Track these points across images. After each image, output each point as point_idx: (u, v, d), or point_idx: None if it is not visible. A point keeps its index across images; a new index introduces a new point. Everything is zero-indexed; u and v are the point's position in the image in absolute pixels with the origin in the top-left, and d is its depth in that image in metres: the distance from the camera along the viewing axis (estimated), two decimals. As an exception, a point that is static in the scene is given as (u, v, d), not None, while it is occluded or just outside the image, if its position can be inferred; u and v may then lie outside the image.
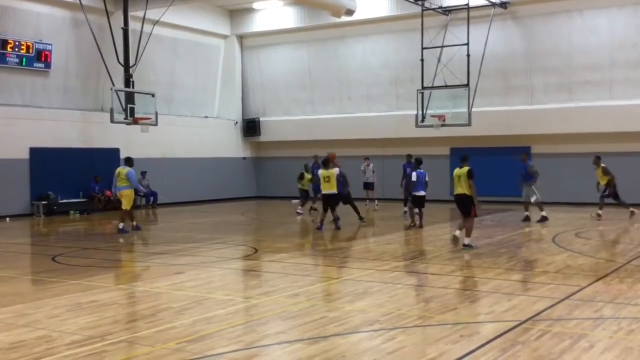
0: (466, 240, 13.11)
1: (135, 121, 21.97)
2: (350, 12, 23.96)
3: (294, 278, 10.56)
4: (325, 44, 28.20)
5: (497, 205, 22.45)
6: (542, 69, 24.22)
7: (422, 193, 17.07)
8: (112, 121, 21.45)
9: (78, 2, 21.32)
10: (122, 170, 16.95)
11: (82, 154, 23.45)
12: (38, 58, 22.41)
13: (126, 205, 16.99)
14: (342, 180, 17.45)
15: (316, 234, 16.43)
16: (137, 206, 22.49)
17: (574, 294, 8.75)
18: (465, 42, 23.07)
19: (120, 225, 16.95)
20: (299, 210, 21.37)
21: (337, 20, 25.25)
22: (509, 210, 21.10)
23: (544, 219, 17.97)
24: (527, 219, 18.32)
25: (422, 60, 23.59)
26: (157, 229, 19.22)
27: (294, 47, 28.98)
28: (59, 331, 7.18)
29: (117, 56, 22.08)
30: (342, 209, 18.09)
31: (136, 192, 18.10)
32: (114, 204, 23.86)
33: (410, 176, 18.07)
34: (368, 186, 22.99)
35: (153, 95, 22.61)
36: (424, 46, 23.69)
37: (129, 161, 17.19)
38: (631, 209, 19.05)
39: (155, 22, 22.98)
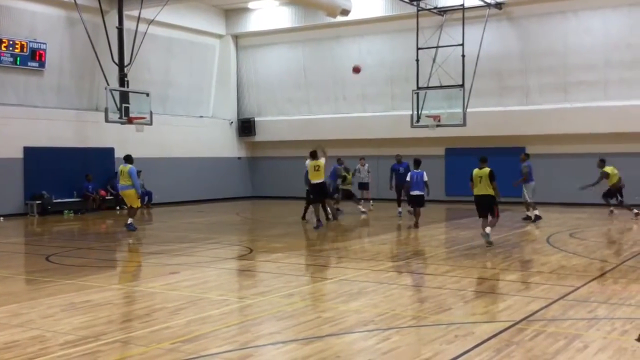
0: (488, 232, 13.45)
1: (130, 121, 21.93)
2: (345, 12, 23.98)
3: (288, 278, 10.54)
4: (320, 43, 28.19)
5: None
6: (537, 70, 24.26)
7: (417, 193, 17.15)
8: (106, 120, 21.42)
9: (73, 1, 21.26)
10: (124, 168, 16.87)
11: (76, 153, 23.39)
12: (32, 57, 22.34)
13: (133, 203, 16.92)
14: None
15: (311, 233, 16.40)
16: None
17: (568, 294, 8.76)
18: (461, 42, 23.11)
19: (129, 221, 16.88)
20: (362, 209, 21.35)
21: (332, 20, 25.25)
22: (505, 211, 21.09)
23: (527, 218, 18.29)
24: (527, 218, 18.45)
25: (417, 60, 23.61)
26: (152, 229, 19.18)
27: (290, 47, 28.96)
28: (53, 331, 7.15)
29: (111, 55, 22.04)
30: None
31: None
32: (108, 204, 23.90)
33: (403, 176, 18.20)
34: (363, 186, 22.99)
35: (148, 95, 22.58)
36: (419, 46, 23.71)
37: (129, 159, 17.09)
38: (611, 208, 19.74)
39: (150, 22, 22.95)
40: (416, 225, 17.09)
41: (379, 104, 27.14)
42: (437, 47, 23.91)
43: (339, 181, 21.57)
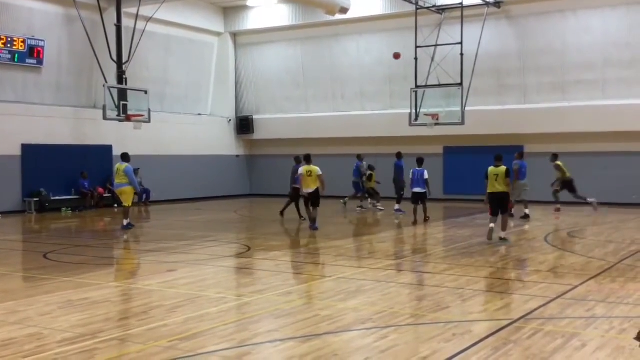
0: (502, 234, 13.79)
1: (128, 118, 21.90)
2: (344, 10, 23.95)
3: (286, 276, 10.53)
4: (319, 42, 28.17)
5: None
6: (535, 69, 24.27)
7: (419, 190, 17.54)
8: (104, 118, 21.39)
9: (71, -2, 21.25)
10: (121, 166, 16.85)
11: (74, 150, 23.35)
12: (30, 54, 22.30)
13: (127, 202, 16.90)
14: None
15: (307, 232, 16.36)
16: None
17: (566, 293, 8.76)
18: (459, 41, 23.09)
19: (125, 222, 16.84)
20: (379, 207, 21.48)
21: (331, 18, 25.23)
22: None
23: (526, 217, 18.54)
24: (525, 216, 18.48)
25: (415, 59, 23.60)
26: (149, 227, 19.16)
27: (288, 45, 28.94)
28: (50, 329, 7.14)
29: (109, 53, 22.01)
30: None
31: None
32: (106, 201, 23.87)
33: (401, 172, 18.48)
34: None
35: (146, 92, 22.55)
36: (418, 45, 23.69)
37: (125, 157, 17.10)
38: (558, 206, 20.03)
39: (149, 19, 22.91)
40: (426, 219, 17.66)
41: (378, 102, 27.13)
42: (436, 45, 23.90)
43: (364, 179, 21.75)
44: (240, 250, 13.67)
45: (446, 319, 7.49)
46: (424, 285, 9.78)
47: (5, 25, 21.77)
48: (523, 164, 18.63)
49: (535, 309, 7.83)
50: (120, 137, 23.71)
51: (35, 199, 22.13)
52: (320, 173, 16.11)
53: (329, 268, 11.32)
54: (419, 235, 16.03)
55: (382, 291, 9.05)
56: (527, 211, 18.56)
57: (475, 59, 23.34)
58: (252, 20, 28.79)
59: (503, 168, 13.79)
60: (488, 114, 24.46)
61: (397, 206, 20.41)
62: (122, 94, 21.79)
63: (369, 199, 22.49)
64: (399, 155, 20.98)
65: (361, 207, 22.08)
